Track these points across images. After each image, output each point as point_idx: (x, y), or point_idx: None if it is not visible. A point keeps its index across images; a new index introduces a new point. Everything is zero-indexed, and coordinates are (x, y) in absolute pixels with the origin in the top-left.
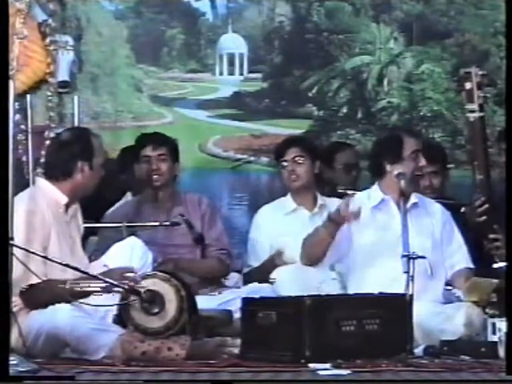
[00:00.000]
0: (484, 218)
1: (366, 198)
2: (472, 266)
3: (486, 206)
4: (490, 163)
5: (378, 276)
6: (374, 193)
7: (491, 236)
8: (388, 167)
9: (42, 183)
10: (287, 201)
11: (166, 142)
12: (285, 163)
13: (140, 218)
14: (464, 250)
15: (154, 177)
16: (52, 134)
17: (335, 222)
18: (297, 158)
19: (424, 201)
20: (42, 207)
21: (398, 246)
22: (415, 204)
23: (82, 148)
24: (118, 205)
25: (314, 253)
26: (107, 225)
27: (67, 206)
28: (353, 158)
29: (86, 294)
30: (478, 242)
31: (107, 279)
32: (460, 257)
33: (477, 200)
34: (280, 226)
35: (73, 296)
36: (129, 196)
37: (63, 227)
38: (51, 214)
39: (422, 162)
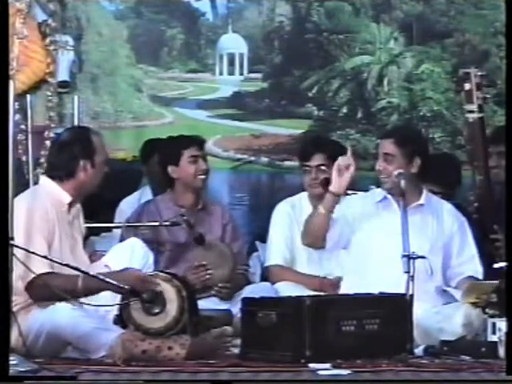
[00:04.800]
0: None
1: (373, 194)
2: (480, 277)
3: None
4: (490, 164)
5: (377, 271)
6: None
7: (491, 236)
8: None
9: (46, 182)
10: (306, 204)
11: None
12: (308, 168)
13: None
14: (476, 261)
15: (201, 177)
16: (52, 134)
17: (333, 194)
18: (321, 167)
19: (434, 203)
20: (46, 205)
21: (395, 244)
22: (421, 205)
23: (84, 147)
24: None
25: (314, 231)
26: (107, 225)
27: (70, 205)
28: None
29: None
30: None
31: (107, 279)
32: (470, 267)
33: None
34: (296, 230)
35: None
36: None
37: (65, 227)
38: (55, 212)
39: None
